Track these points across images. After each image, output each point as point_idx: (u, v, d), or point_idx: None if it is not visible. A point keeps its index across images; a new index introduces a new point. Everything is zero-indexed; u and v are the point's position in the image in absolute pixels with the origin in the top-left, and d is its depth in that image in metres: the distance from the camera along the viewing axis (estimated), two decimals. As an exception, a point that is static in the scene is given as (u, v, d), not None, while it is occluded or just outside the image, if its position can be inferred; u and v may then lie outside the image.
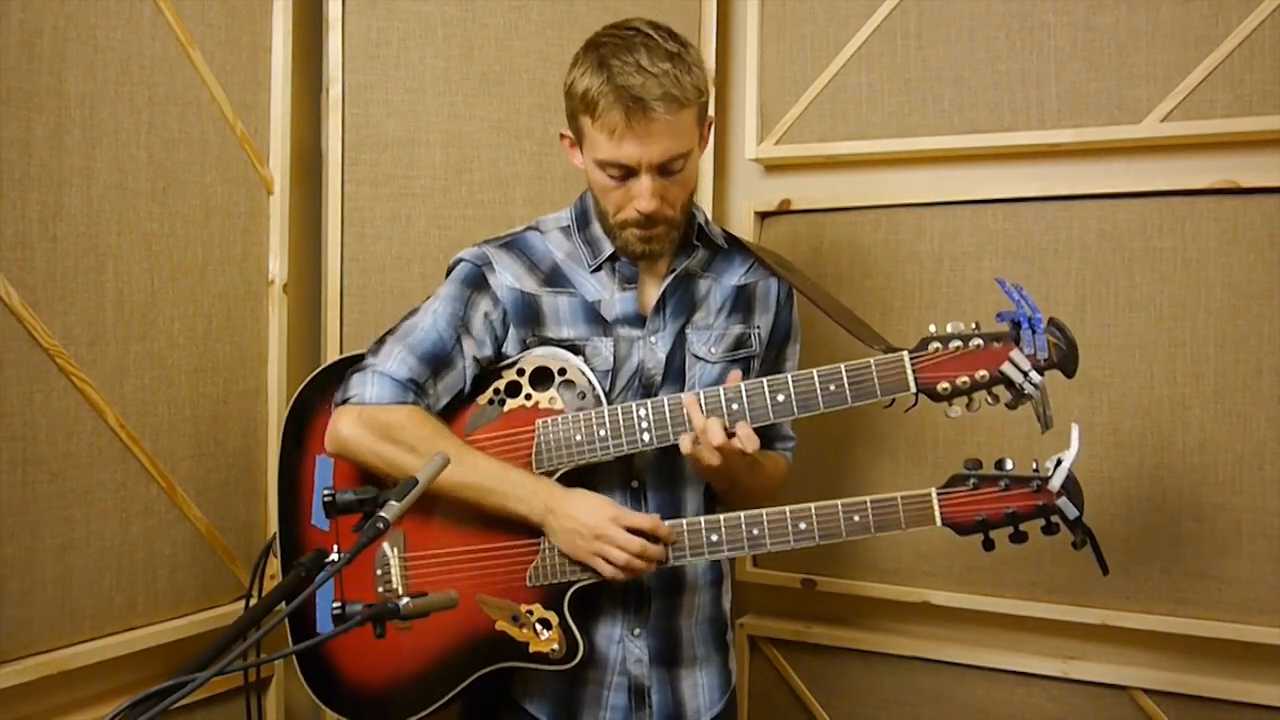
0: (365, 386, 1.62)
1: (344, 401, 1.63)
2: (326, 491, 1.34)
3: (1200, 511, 1.99)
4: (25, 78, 1.67)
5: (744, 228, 2.36)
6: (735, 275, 1.75)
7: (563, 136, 1.67)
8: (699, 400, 1.56)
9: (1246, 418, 1.96)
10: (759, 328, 1.75)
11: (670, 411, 1.58)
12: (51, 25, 1.71)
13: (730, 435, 1.54)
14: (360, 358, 1.78)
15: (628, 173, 1.56)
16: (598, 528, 1.55)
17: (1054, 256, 2.10)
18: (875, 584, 2.25)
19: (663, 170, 1.56)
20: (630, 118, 1.51)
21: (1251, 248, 1.95)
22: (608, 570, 1.56)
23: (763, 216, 2.38)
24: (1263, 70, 1.92)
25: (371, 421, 1.59)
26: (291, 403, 1.79)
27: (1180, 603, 2.01)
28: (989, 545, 1.57)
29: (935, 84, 2.18)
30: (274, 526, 1.84)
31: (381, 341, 1.66)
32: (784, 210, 2.35)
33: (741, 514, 1.58)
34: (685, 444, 1.56)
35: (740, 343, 1.72)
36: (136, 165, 1.85)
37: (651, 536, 1.57)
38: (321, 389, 1.77)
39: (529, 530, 1.61)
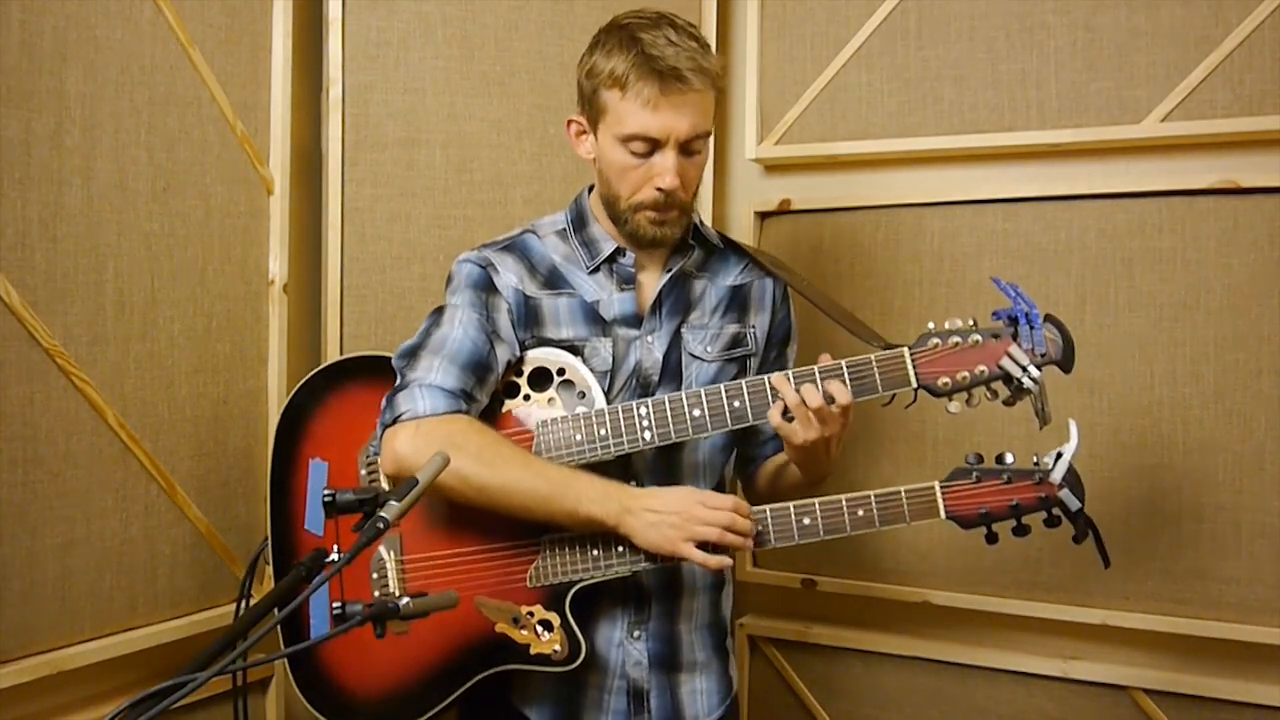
0: (415, 401, 1.55)
1: (394, 421, 1.55)
2: (327, 492, 1.33)
3: (1200, 511, 1.99)
4: (25, 78, 1.67)
5: (744, 228, 2.36)
6: (731, 275, 1.75)
7: (570, 123, 1.66)
8: (785, 377, 1.56)
9: (1246, 418, 1.96)
10: (754, 327, 1.75)
11: (671, 409, 1.58)
12: (51, 25, 1.71)
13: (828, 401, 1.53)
14: (358, 364, 1.77)
15: (652, 148, 1.56)
16: (685, 511, 1.52)
17: (1054, 256, 2.10)
18: (875, 584, 2.26)
19: (684, 149, 1.57)
20: (664, 88, 1.52)
21: (1251, 248, 1.95)
22: (698, 555, 1.52)
23: (763, 216, 2.38)
24: (1263, 70, 1.92)
25: (430, 435, 1.52)
26: (284, 407, 1.78)
27: (1180, 603, 2.01)
28: (992, 539, 1.58)
29: (935, 84, 2.18)
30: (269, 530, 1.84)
31: (414, 357, 1.60)
32: (784, 210, 2.35)
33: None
34: (774, 415, 1.55)
35: (736, 342, 1.72)
36: (136, 165, 1.85)
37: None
38: (315, 392, 1.76)
39: (528, 531, 1.60)
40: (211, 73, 1.96)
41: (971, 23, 2.15)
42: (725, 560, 1.55)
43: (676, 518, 1.52)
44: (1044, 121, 2.09)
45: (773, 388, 1.56)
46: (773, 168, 2.39)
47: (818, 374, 1.56)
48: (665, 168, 1.56)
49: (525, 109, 2.19)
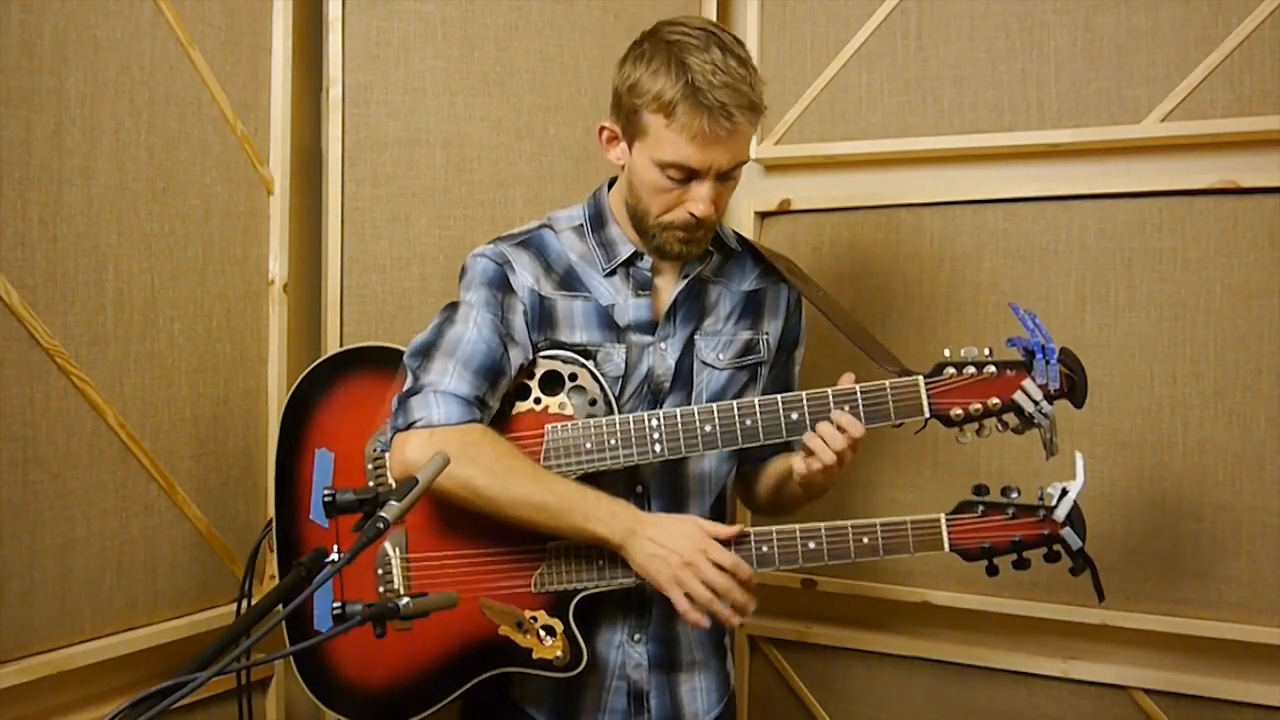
0: (430, 408, 1.54)
1: (408, 426, 1.54)
2: (327, 491, 1.33)
3: (1200, 511, 1.99)
4: (25, 78, 1.67)
5: (744, 227, 2.36)
6: (746, 280, 1.74)
7: (602, 130, 1.63)
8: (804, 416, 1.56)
9: (1246, 418, 1.96)
10: (768, 334, 1.74)
11: (683, 424, 1.56)
12: (51, 25, 1.71)
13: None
14: (365, 354, 1.77)
15: (689, 176, 1.54)
16: (687, 556, 1.51)
17: (1054, 256, 2.10)
18: (875, 584, 2.25)
19: (722, 176, 1.55)
20: (712, 125, 1.48)
21: (1251, 248, 1.95)
22: (682, 604, 1.52)
23: (763, 216, 2.38)
24: (1263, 70, 1.92)
25: (443, 445, 1.50)
26: (289, 397, 1.77)
27: (1180, 603, 2.01)
28: (993, 571, 1.59)
29: (935, 84, 2.18)
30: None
31: (428, 358, 1.58)
32: (784, 210, 2.35)
33: (751, 531, 1.57)
34: (798, 463, 1.57)
35: (749, 349, 1.71)
36: (136, 165, 1.85)
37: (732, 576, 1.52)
38: (320, 382, 1.75)
39: (534, 537, 1.59)
40: (211, 73, 1.96)
41: (971, 23, 2.15)
42: (703, 621, 1.52)
43: (678, 559, 1.51)
44: (1044, 121, 2.09)
45: (791, 425, 1.56)
46: (773, 168, 2.39)
47: (831, 399, 1.55)
48: (701, 196, 1.54)
49: (525, 109, 2.19)
